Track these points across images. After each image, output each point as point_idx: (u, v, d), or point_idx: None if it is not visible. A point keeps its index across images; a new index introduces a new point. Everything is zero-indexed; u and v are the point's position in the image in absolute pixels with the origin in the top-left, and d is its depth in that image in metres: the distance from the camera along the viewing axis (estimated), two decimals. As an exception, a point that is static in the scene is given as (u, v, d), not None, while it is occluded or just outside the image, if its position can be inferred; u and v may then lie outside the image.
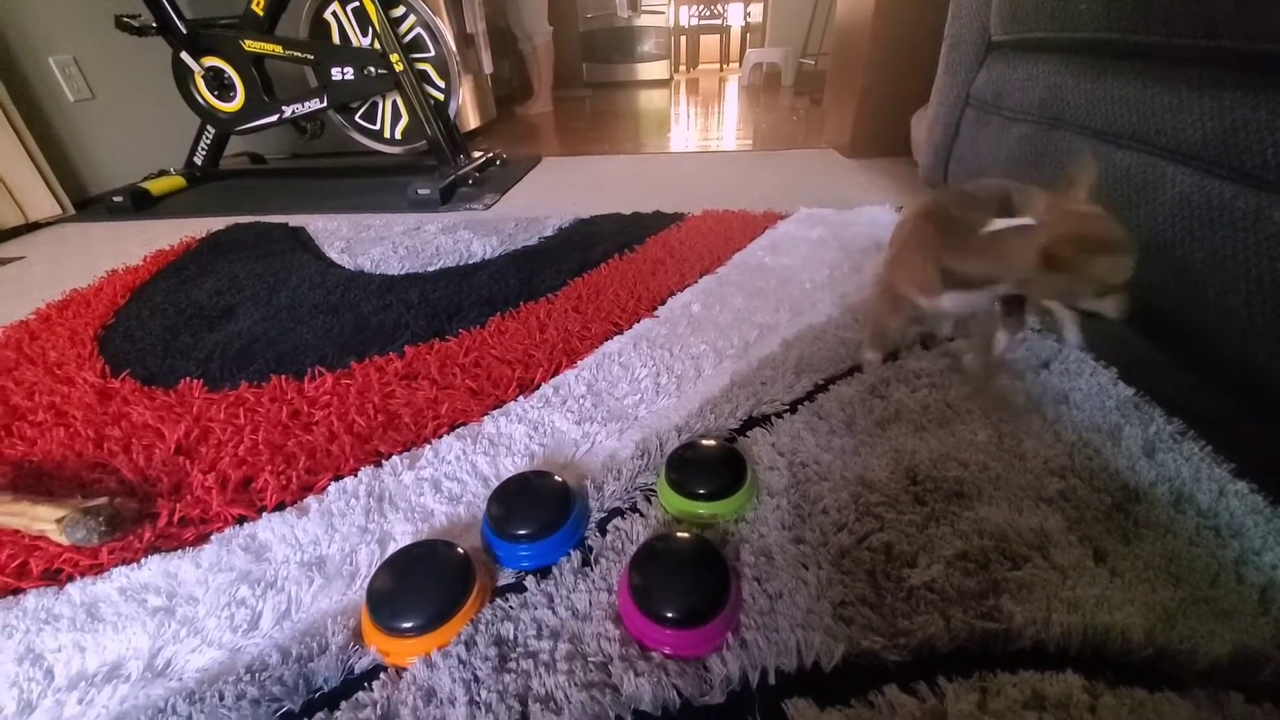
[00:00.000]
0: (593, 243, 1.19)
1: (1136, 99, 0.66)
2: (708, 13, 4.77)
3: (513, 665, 0.41)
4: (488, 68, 2.63)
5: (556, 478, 0.54)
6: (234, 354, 0.85)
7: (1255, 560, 0.46)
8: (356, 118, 1.90)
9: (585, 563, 0.49)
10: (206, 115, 1.84)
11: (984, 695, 0.37)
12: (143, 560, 0.51)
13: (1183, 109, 0.61)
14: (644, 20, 4.17)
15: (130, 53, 1.85)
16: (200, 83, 1.78)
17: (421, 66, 1.74)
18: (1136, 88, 0.67)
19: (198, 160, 1.90)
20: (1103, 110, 0.71)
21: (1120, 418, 0.61)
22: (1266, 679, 0.38)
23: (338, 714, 0.39)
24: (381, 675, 0.41)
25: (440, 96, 1.79)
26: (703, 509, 0.52)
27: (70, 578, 0.51)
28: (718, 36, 5.05)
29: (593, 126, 2.80)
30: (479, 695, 0.39)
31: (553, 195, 1.67)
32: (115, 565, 0.51)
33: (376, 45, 1.65)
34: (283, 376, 0.78)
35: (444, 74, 1.76)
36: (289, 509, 0.57)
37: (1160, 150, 0.63)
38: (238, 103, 1.80)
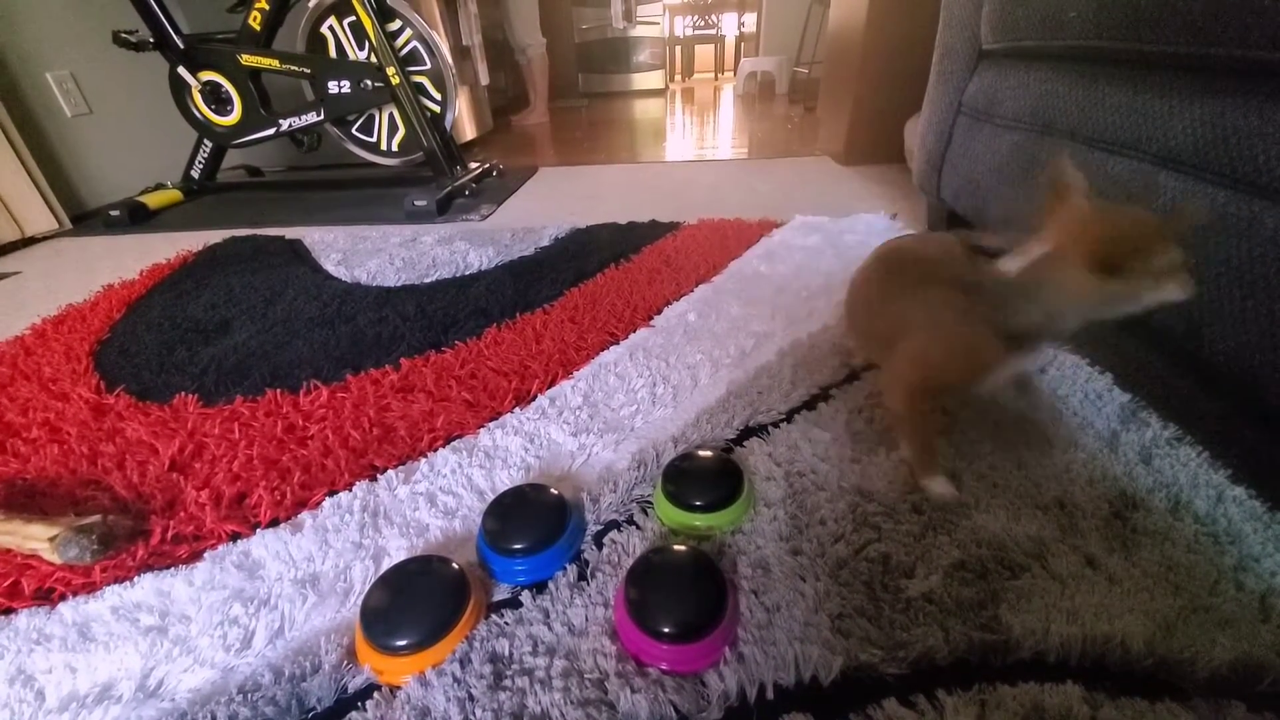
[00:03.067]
0: (589, 253, 1.19)
1: (1128, 106, 0.67)
2: (702, 23, 4.80)
3: (508, 683, 0.41)
4: (484, 79, 2.64)
5: (552, 490, 0.54)
6: (229, 368, 0.84)
7: (1255, 567, 0.45)
8: (353, 130, 1.90)
9: (581, 577, 0.49)
10: (204, 129, 1.84)
11: (984, 708, 0.37)
12: (135, 578, 0.51)
13: (1174, 116, 0.61)
14: (639, 31, 4.19)
15: (127, 68, 1.87)
16: (197, 97, 1.79)
17: (418, 79, 1.75)
18: (1128, 95, 0.67)
19: (195, 174, 1.91)
20: (1094, 117, 0.72)
21: (1117, 424, 0.61)
22: (1268, 688, 0.38)
23: (331, 734, 0.39)
24: (375, 694, 0.41)
25: (436, 109, 1.79)
26: (699, 521, 0.52)
27: (63, 597, 0.50)
28: (712, 46, 5.08)
29: (589, 136, 2.82)
30: (474, 714, 0.39)
31: (549, 205, 1.68)
32: (108, 584, 0.51)
33: (373, 59, 1.65)
34: (278, 390, 0.77)
35: (440, 86, 1.77)
36: (283, 525, 0.56)
37: (1152, 157, 0.64)
38: (235, 116, 1.81)
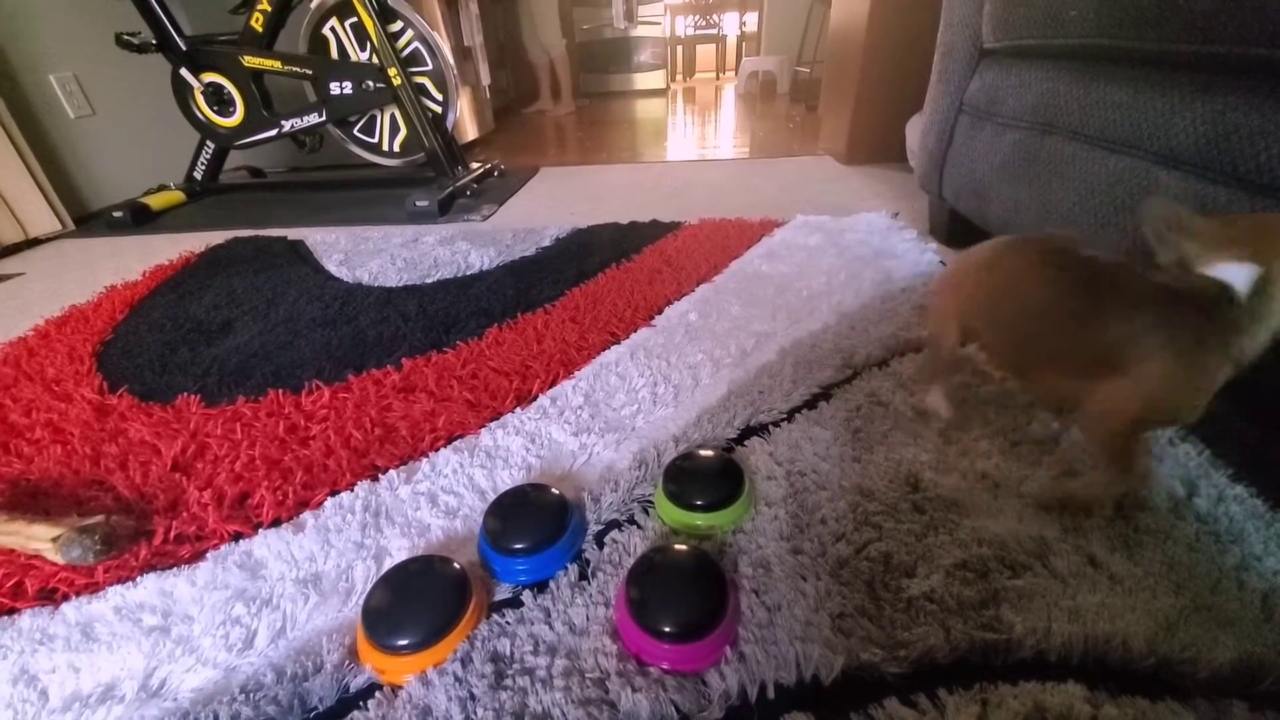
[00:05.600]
0: (590, 253, 1.20)
1: (1129, 104, 0.67)
2: (703, 22, 4.80)
3: (509, 682, 0.41)
4: (486, 80, 2.65)
5: (553, 490, 0.54)
6: (232, 369, 0.85)
7: (1256, 566, 0.45)
8: (355, 131, 1.91)
9: (583, 576, 0.49)
10: (206, 130, 1.85)
11: (985, 707, 0.37)
12: (138, 579, 0.51)
13: (1175, 114, 0.61)
14: (640, 31, 4.20)
15: (130, 69, 1.87)
16: (200, 98, 1.80)
17: (419, 80, 1.75)
18: (1129, 93, 0.67)
19: (197, 175, 1.91)
20: (1095, 116, 0.72)
21: (1119, 423, 0.61)
22: (1270, 687, 0.37)
23: (333, 733, 0.39)
24: (377, 694, 0.41)
25: (438, 109, 1.80)
26: (700, 520, 0.52)
27: (66, 597, 0.50)
28: (714, 46, 5.08)
29: (590, 136, 2.82)
30: (475, 713, 0.39)
31: (550, 205, 1.68)
32: (111, 584, 0.51)
33: (375, 60, 1.66)
34: (280, 391, 0.78)
35: (441, 87, 1.78)
36: (285, 525, 0.56)
37: (1153, 155, 0.63)
38: (237, 118, 1.81)
